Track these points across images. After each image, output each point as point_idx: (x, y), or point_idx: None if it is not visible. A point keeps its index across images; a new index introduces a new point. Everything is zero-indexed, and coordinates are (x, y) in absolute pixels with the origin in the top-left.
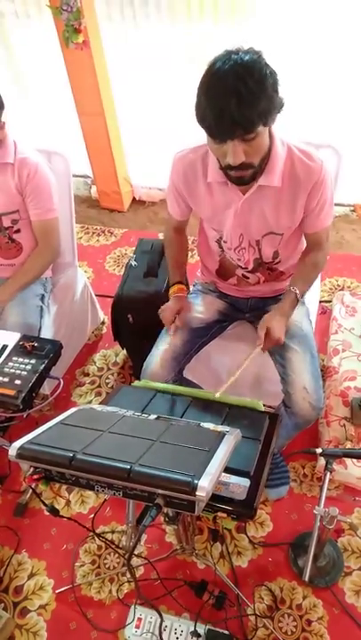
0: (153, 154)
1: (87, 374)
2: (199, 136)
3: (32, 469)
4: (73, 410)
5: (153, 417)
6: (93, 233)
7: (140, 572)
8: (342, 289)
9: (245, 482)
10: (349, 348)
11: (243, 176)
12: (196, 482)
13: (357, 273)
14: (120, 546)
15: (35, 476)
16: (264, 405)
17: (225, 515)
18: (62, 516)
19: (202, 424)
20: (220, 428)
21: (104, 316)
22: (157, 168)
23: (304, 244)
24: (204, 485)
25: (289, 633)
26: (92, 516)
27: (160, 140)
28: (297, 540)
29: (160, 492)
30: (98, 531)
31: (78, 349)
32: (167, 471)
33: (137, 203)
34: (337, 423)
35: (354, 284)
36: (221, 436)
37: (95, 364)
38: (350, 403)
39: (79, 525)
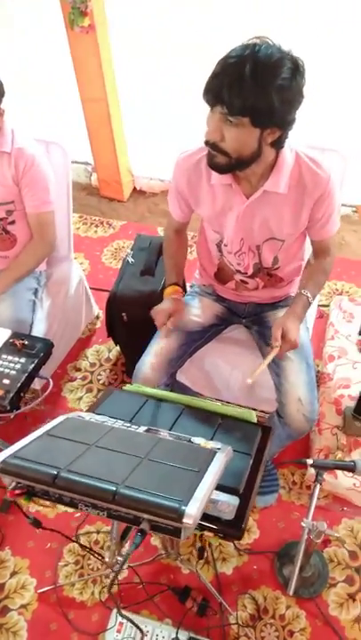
0: (156, 144)
1: (79, 369)
2: (203, 130)
3: (14, 483)
4: (61, 419)
5: (143, 429)
6: (92, 224)
7: (123, 575)
8: (340, 293)
9: (235, 500)
10: (345, 355)
11: (214, 157)
12: (183, 508)
13: (356, 277)
14: (104, 559)
15: (17, 491)
16: (258, 411)
17: (211, 534)
18: (45, 528)
19: (193, 439)
20: (212, 444)
21: (99, 310)
22: (159, 159)
23: (305, 250)
24: (192, 513)
25: None
26: (78, 524)
27: (163, 131)
28: (283, 549)
29: (145, 516)
30: (82, 531)
31: (71, 344)
32: (153, 495)
33: (137, 193)
34: (329, 432)
35: (353, 288)
36: (212, 454)
37: (88, 359)
38: (343, 411)
39: (62, 533)
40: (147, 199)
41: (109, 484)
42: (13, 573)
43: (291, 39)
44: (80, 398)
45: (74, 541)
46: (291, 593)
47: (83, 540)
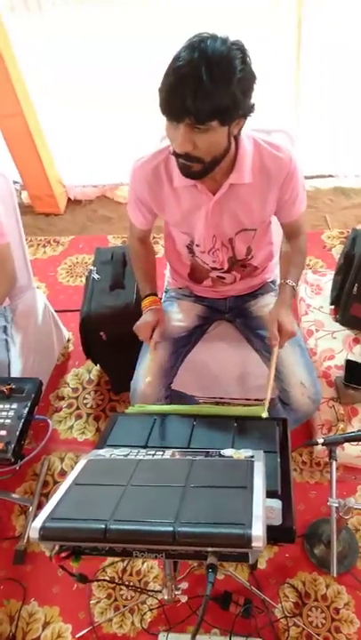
0: (82, 150)
1: (62, 398)
2: (129, 125)
3: (57, 547)
4: (82, 463)
5: (168, 454)
6: (38, 244)
7: (160, 597)
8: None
9: (277, 503)
10: (322, 327)
11: (189, 167)
12: (249, 532)
13: (313, 249)
14: (163, 599)
15: (62, 554)
16: (252, 400)
17: None
18: (91, 580)
19: (222, 452)
20: (243, 453)
21: (68, 332)
22: (89, 164)
23: (272, 233)
24: (259, 534)
25: (320, 626)
26: (122, 565)
27: (88, 134)
28: (309, 530)
29: (210, 549)
30: (107, 563)
31: (49, 374)
32: (214, 525)
33: (73, 203)
34: (326, 405)
35: (313, 260)
36: (250, 464)
37: (69, 385)
38: (334, 382)
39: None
40: (84, 207)
41: (165, 526)
42: (46, 624)
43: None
44: (71, 427)
45: (122, 584)
46: (335, 574)
47: (110, 572)
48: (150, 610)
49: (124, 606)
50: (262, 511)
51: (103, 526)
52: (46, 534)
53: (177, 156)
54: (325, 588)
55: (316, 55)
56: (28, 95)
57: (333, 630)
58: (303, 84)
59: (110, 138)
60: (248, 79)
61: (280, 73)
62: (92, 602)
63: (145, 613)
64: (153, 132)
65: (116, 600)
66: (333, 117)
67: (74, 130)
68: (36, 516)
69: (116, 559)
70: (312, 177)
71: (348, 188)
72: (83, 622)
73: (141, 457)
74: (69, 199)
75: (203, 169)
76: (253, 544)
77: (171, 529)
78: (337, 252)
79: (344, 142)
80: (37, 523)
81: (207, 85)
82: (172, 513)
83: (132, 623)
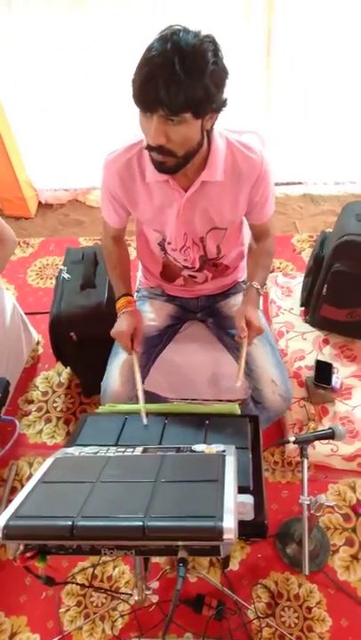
0: (53, 153)
1: (31, 401)
2: (101, 129)
3: (22, 547)
4: (49, 461)
5: (139, 450)
6: None
7: (131, 601)
8: (273, 270)
9: (249, 498)
10: (292, 328)
11: (163, 162)
12: (220, 524)
13: (283, 252)
14: (132, 601)
15: (27, 554)
16: (225, 401)
17: None
18: (59, 583)
19: (193, 447)
20: (215, 448)
21: (38, 335)
22: (60, 168)
23: (243, 235)
24: (230, 526)
25: (292, 625)
26: (92, 570)
27: (59, 138)
28: (281, 529)
29: (181, 543)
30: (77, 570)
31: (18, 377)
32: (184, 519)
33: (44, 207)
34: (297, 405)
35: (283, 263)
36: (222, 458)
37: (38, 388)
38: (305, 382)
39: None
40: (55, 211)
41: (134, 520)
42: (12, 635)
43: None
44: (40, 431)
45: (89, 587)
46: (307, 573)
47: (80, 578)
48: (122, 616)
49: (95, 613)
50: (234, 504)
51: (70, 523)
52: (10, 533)
53: (150, 149)
54: (298, 587)
55: (285, 62)
56: None
57: (306, 629)
58: (273, 93)
59: (82, 142)
60: (221, 73)
61: (250, 80)
62: (61, 610)
63: (116, 620)
64: (125, 136)
65: (86, 607)
66: (303, 125)
67: (45, 133)
68: None
69: (86, 565)
70: (282, 184)
71: (316, 195)
72: (52, 631)
73: (111, 454)
74: (40, 203)
75: (176, 163)
76: (225, 536)
77: (140, 523)
78: (306, 255)
79: (313, 150)
80: (1, 521)
81: (180, 77)
82: (141, 508)
83: (103, 630)
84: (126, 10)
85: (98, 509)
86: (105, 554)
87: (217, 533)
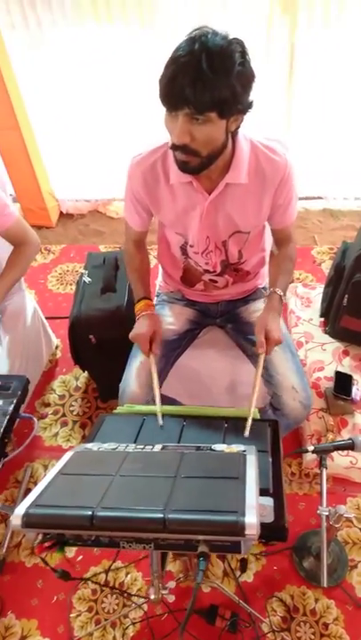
0: (75, 165)
1: (48, 404)
2: (123, 141)
3: (41, 537)
4: (68, 455)
5: (158, 447)
6: None
7: (141, 612)
8: (292, 281)
9: (269, 501)
10: (312, 339)
11: (187, 162)
12: (242, 519)
13: (303, 264)
14: (148, 597)
15: (46, 544)
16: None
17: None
18: (74, 578)
19: (213, 447)
20: (236, 447)
21: (56, 339)
22: (82, 180)
23: (265, 241)
24: (252, 522)
25: None
26: (107, 570)
27: (81, 150)
28: (298, 542)
29: (202, 537)
30: (89, 574)
31: (37, 379)
32: (206, 513)
33: (65, 217)
34: (315, 416)
35: (303, 274)
36: (243, 457)
37: (55, 392)
38: (324, 393)
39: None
40: (75, 221)
41: (155, 513)
42: (23, 638)
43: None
44: (56, 434)
45: (105, 586)
46: (325, 585)
47: (91, 585)
48: (133, 623)
49: (106, 620)
50: (256, 501)
51: (90, 513)
52: (30, 521)
53: (175, 148)
54: (314, 602)
55: (307, 79)
56: (24, 110)
57: None
58: (294, 108)
59: (104, 154)
60: (247, 74)
61: (271, 97)
62: (71, 615)
63: (127, 627)
64: (149, 141)
65: (97, 613)
66: (323, 140)
67: (68, 145)
68: None
69: (99, 570)
70: (302, 198)
71: (336, 209)
72: (62, 636)
73: (130, 450)
74: (62, 213)
75: (200, 163)
76: (247, 532)
77: (161, 515)
78: (326, 266)
79: (333, 165)
80: (20, 510)
81: (207, 75)
82: (161, 501)
83: (114, 638)
84: (150, 26)
85: (117, 501)
86: (123, 547)
87: (239, 528)
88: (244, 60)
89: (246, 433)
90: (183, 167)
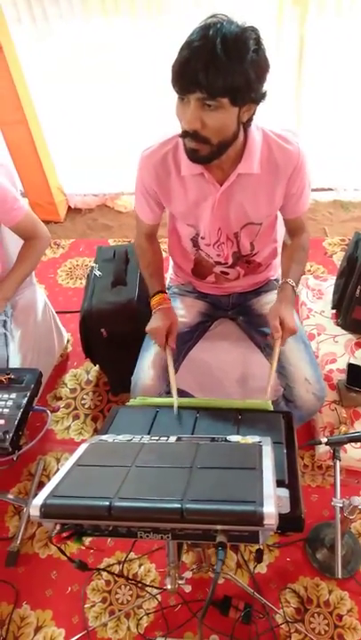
0: (83, 159)
1: (60, 398)
2: (132, 136)
3: (59, 527)
4: (83, 447)
5: (173, 439)
6: None
7: (154, 603)
8: (304, 273)
9: (285, 492)
10: (324, 331)
11: (197, 149)
12: (261, 509)
13: (314, 255)
14: (166, 588)
15: (64, 534)
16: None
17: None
18: (92, 569)
19: (228, 438)
20: (251, 439)
21: (67, 333)
22: (90, 174)
23: (277, 232)
24: (271, 511)
25: (322, 632)
26: (122, 561)
27: (89, 144)
28: (311, 533)
29: (220, 527)
30: (103, 565)
31: (49, 373)
32: (224, 503)
33: (73, 211)
34: (328, 408)
35: (314, 266)
36: (259, 447)
37: (66, 385)
38: (336, 385)
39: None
40: (84, 216)
41: (173, 502)
42: (38, 629)
43: None
44: (68, 427)
45: (120, 576)
46: (340, 576)
47: (105, 575)
48: (147, 614)
49: (120, 610)
50: (274, 491)
51: (108, 503)
52: (48, 511)
53: (185, 135)
54: (328, 593)
55: (316, 70)
56: (32, 104)
57: (336, 637)
58: (304, 100)
59: (112, 148)
60: (262, 63)
61: (280, 88)
62: (86, 606)
63: (141, 618)
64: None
65: (111, 604)
66: (333, 132)
67: (76, 140)
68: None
69: (112, 561)
70: (312, 190)
71: (346, 201)
72: (76, 627)
73: (145, 441)
74: (70, 207)
75: (210, 152)
76: (265, 521)
77: (179, 505)
78: (338, 258)
79: (343, 156)
80: (38, 500)
81: (221, 60)
82: (179, 491)
83: (128, 628)
84: (158, 18)
85: (135, 492)
86: (141, 537)
87: (258, 518)
88: (259, 48)
89: (268, 395)
90: (193, 156)
